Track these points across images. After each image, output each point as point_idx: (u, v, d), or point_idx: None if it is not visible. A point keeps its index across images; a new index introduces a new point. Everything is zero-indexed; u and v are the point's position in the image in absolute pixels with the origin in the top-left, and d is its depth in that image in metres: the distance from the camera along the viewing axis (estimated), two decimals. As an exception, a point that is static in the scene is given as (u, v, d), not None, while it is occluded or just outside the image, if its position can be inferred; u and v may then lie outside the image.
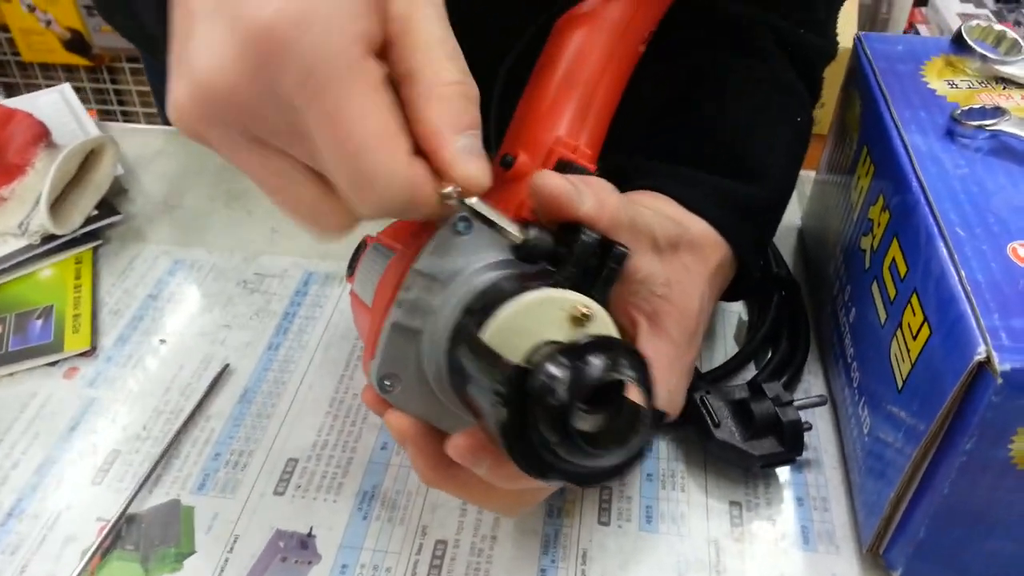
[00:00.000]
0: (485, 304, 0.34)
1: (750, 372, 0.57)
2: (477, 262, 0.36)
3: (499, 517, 0.48)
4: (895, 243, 0.46)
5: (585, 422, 0.31)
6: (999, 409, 0.36)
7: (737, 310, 0.61)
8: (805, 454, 0.50)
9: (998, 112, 0.48)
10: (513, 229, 0.36)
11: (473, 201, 0.35)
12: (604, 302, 0.35)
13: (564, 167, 0.43)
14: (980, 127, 0.47)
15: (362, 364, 0.49)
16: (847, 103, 0.59)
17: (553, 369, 0.30)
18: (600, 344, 0.31)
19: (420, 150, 0.33)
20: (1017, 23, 1.46)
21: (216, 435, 0.53)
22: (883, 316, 0.46)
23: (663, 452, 0.52)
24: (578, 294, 0.34)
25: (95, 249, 0.66)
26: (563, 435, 0.30)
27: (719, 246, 0.48)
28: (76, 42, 2.00)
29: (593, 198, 0.38)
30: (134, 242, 0.68)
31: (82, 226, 0.65)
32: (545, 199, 0.38)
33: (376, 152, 0.31)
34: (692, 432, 0.52)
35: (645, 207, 0.44)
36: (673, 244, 0.44)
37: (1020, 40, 0.54)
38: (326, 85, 0.30)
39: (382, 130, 0.31)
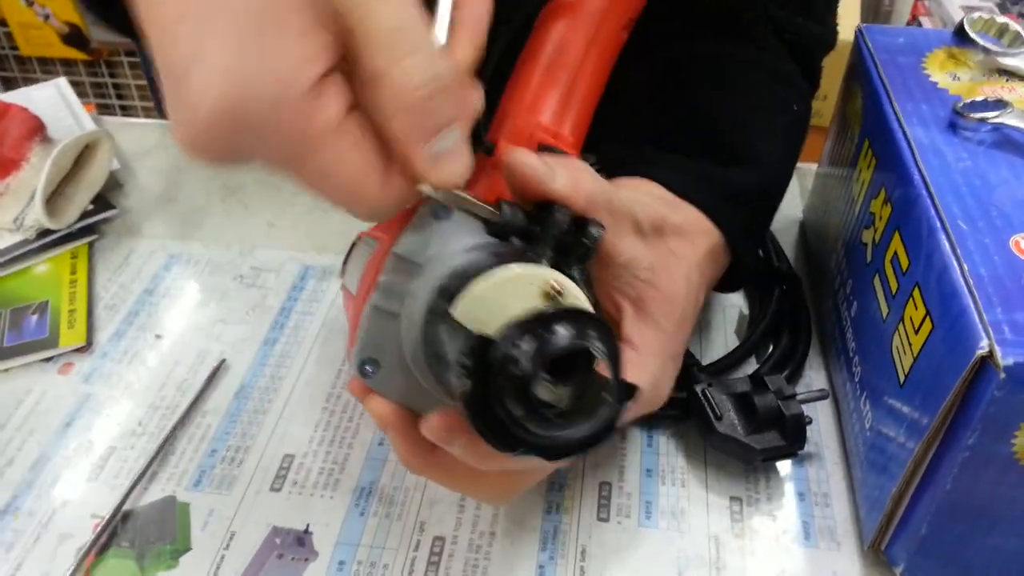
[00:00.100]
0: (459, 283, 0.33)
1: (751, 366, 0.56)
2: (455, 245, 0.36)
3: (497, 513, 0.48)
4: (897, 236, 0.45)
5: (550, 393, 0.30)
6: (1002, 404, 0.36)
7: (738, 304, 0.61)
8: (806, 448, 0.49)
9: (1000, 105, 0.47)
10: (485, 210, 0.36)
11: (440, 193, 0.34)
12: (582, 281, 0.35)
13: (543, 151, 0.43)
14: (982, 120, 0.47)
15: (346, 353, 0.49)
16: (848, 96, 0.59)
17: (515, 339, 0.29)
18: (564, 314, 0.31)
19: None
20: (1020, 15, 1.45)
21: (212, 431, 0.52)
22: (885, 310, 0.46)
23: (663, 447, 0.52)
24: (550, 270, 0.33)
25: (91, 244, 0.66)
26: (527, 407, 0.30)
27: (708, 232, 0.48)
28: (74, 36, 2.00)
29: (566, 176, 0.38)
30: (130, 237, 0.67)
31: (78, 221, 0.65)
32: (516, 176, 0.37)
33: (359, 191, 0.32)
34: (693, 425, 0.51)
35: (629, 191, 0.44)
36: (658, 228, 0.44)
37: (1023, 32, 0.53)
38: (292, 152, 0.30)
39: (359, 170, 0.31)
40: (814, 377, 0.56)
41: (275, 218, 0.69)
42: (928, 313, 0.40)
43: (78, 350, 0.58)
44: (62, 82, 0.79)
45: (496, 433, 0.31)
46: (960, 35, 0.54)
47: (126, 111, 2.15)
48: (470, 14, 0.36)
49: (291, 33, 0.28)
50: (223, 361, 0.56)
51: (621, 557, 0.46)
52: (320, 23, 0.29)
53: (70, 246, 0.65)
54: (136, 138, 0.77)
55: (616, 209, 0.40)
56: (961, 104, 0.48)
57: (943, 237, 0.41)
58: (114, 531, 0.47)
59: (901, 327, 0.43)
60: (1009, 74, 0.52)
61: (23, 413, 0.54)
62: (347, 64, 0.30)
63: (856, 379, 0.50)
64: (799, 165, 0.71)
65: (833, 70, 0.62)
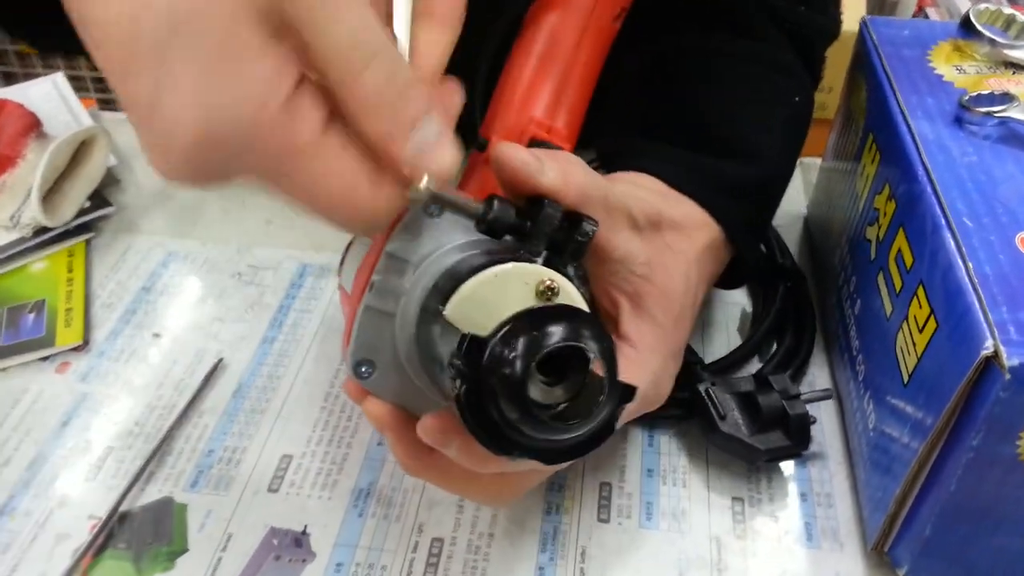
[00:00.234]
0: (451, 281, 0.33)
1: (753, 364, 0.56)
2: (448, 242, 0.36)
3: (496, 514, 0.48)
4: (901, 233, 0.45)
5: (545, 394, 0.30)
6: (1007, 405, 0.35)
7: (740, 301, 0.60)
8: (809, 448, 0.49)
9: (1007, 98, 0.47)
10: (474, 206, 0.35)
11: (428, 184, 0.33)
12: (578, 279, 0.35)
13: (536, 146, 0.43)
14: (988, 114, 0.46)
15: (342, 353, 0.48)
16: (853, 88, 0.58)
17: (507, 338, 0.29)
18: (557, 313, 0.30)
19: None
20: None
21: (209, 431, 0.52)
22: (889, 308, 0.45)
23: (664, 447, 0.51)
24: (544, 267, 0.33)
25: (87, 241, 0.65)
26: (522, 408, 0.29)
27: (706, 226, 0.47)
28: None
29: (556, 170, 0.37)
30: (127, 234, 0.67)
31: (74, 218, 0.65)
32: (505, 171, 0.36)
33: (348, 201, 0.31)
34: (696, 425, 0.51)
35: (624, 185, 0.43)
36: (654, 223, 0.43)
37: (1030, 24, 0.53)
38: (277, 169, 0.29)
39: (347, 180, 0.31)
40: (817, 375, 0.55)
41: (273, 215, 0.68)
42: (933, 312, 0.40)
43: (75, 349, 0.57)
44: (59, 77, 0.78)
45: (490, 436, 0.30)
46: (966, 27, 0.53)
47: (128, 105, 2.14)
48: (441, 3, 0.35)
49: (251, 53, 0.27)
50: (220, 360, 0.56)
51: (622, 558, 0.46)
52: (276, 37, 0.28)
53: (67, 244, 0.64)
54: (133, 134, 0.76)
55: (610, 203, 0.39)
56: (967, 98, 0.47)
57: (948, 234, 0.40)
58: (111, 532, 0.47)
59: (905, 326, 0.42)
60: (1016, 67, 0.51)
61: (20, 412, 0.53)
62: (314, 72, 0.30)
63: (859, 378, 0.49)
64: (803, 159, 0.71)
65: (838, 61, 0.61)
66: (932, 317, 0.40)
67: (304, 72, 0.29)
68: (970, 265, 0.38)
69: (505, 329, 0.29)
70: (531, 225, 0.35)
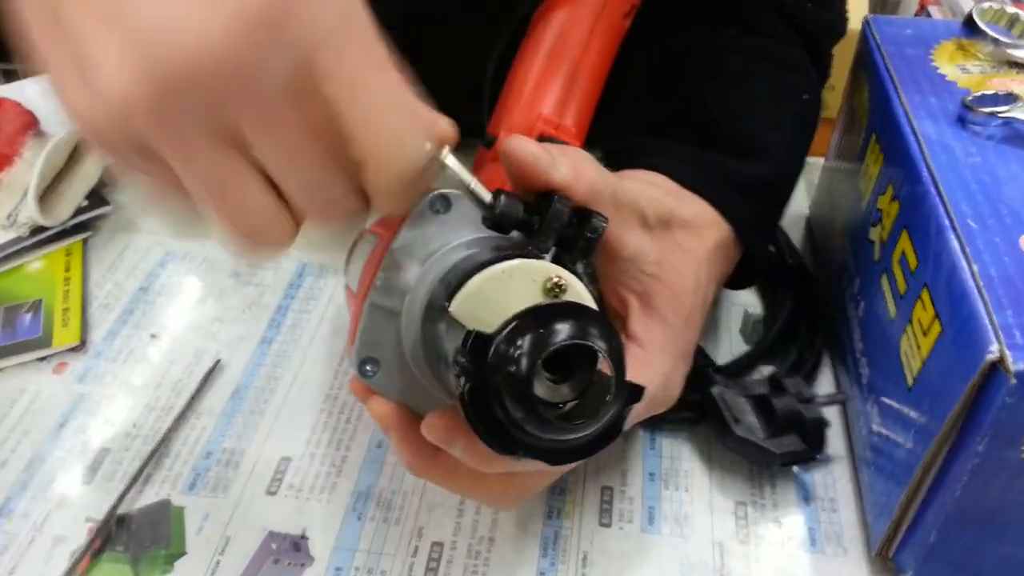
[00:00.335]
0: (457, 278, 0.32)
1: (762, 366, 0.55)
2: (455, 239, 0.35)
3: (497, 518, 0.47)
4: (905, 235, 0.44)
5: (551, 392, 0.29)
6: (1013, 410, 0.35)
7: (742, 302, 0.60)
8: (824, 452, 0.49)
9: (1011, 98, 0.47)
10: (484, 194, 0.34)
11: (448, 158, 0.33)
12: (587, 277, 0.34)
13: (545, 142, 0.42)
14: (992, 114, 0.46)
15: (347, 352, 0.48)
16: (855, 88, 0.58)
17: (512, 335, 0.28)
18: (564, 310, 0.30)
19: None
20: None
21: (207, 433, 0.52)
22: (893, 311, 0.45)
23: (666, 450, 0.51)
24: (551, 264, 0.32)
25: (85, 241, 0.65)
26: (527, 407, 0.29)
27: (716, 224, 0.47)
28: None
29: (568, 165, 0.36)
30: (124, 233, 0.66)
31: (72, 217, 0.64)
32: (515, 165, 0.36)
33: (405, 116, 0.30)
34: (710, 428, 0.50)
35: (634, 182, 0.42)
36: (664, 221, 0.43)
37: (1034, 23, 0.52)
38: (345, 50, 0.28)
39: (400, 96, 0.30)
40: (820, 378, 0.55)
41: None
42: (937, 315, 0.39)
43: (72, 349, 0.57)
44: (57, 76, 0.78)
45: (495, 435, 0.30)
46: (969, 26, 0.53)
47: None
48: None
49: None
50: (218, 361, 0.56)
51: (623, 563, 0.46)
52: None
53: (64, 243, 0.64)
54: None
55: (621, 201, 0.39)
56: (970, 98, 0.47)
57: (952, 236, 0.40)
58: (109, 535, 0.47)
59: (909, 329, 0.42)
60: (1020, 66, 0.51)
61: (17, 413, 0.53)
62: None
63: (863, 381, 0.49)
64: (806, 159, 0.70)
65: (840, 60, 0.61)
66: (936, 320, 0.39)
67: None
68: (975, 268, 0.38)
69: (511, 326, 0.29)
70: (539, 221, 0.35)
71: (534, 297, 0.31)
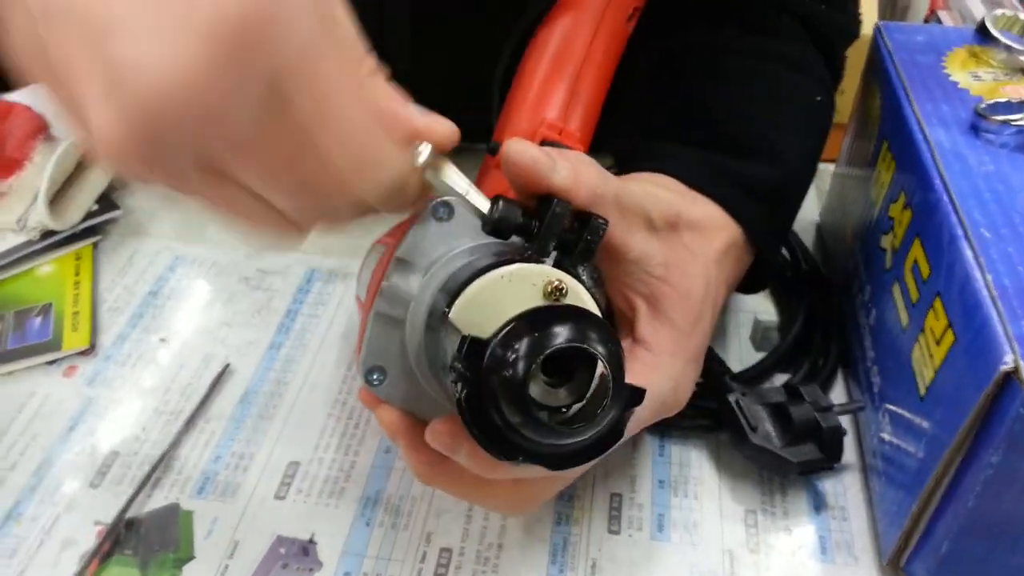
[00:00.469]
0: (458, 284, 0.32)
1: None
2: (457, 246, 0.35)
3: (505, 524, 0.47)
4: (917, 243, 0.44)
5: (549, 396, 0.29)
6: (1027, 421, 0.35)
7: (752, 309, 0.60)
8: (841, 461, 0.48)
9: (1024, 106, 0.46)
10: (480, 200, 0.34)
11: (446, 166, 0.33)
12: (591, 281, 0.34)
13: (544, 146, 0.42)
14: (1005, 122, 0.46)
15: (354, 361, 0.48)
16: (867, 94, 0.57)
17: (508, 339, 0.28)
18: (561, 313, 0.29)
19: None
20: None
21: (216, 437, 0.52)
22: (905, 319, 0.44)
23: (675, 457, 0.51)
24: (552, 268, 0.32)
25: (95, 245, 0.65)
26: (523, 411, 0.29)
27: (725, 226, 0.46)
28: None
29: (568, 168, 0.36)
30: (134, 237, 0.66)
31: (81, 221, 0.64)
32: (515, 168, 0.36)
33: (378, 134, 0.31)
34: (726, 436, 0.50)
35: (639, 184, 0.42)
36: (671, 223, 0.42)
37: (1047, 30, 0.52)
38: (315, 71, 0.29)
39: (375, 112, 0.31)
40: (831, 386, 0.55)
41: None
42: (950, 324, 0.39)
43: (82, 353, 0.57)
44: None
45: (493, 440, 0.30)
46: (982, 33, 0.53)
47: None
48: None
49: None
50: (227, 365, 0.56)
51: (633, 571, 0.45)
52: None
53: (74, 247, 0.64)
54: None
55: (624, 203, 0.39)
56: (983, 105, 0.47)
57: (965, 246, 0.39)
58: (117, 538, 0.47)
59: (922, 338, 0.42)
60: (1033, 74, 0.51)
61: (26, 417, 0.53)
62: None
63: (874, 390, 0.48)
64: (818, 162, 0.70)
65: (851, 64, 0.60)
66: (949, 330, 0.39)
67: None
68: (989, 278, 0.38)
69: (506, 330, 0.29)
70: (539, 225, 0.34)
71: (534, 301, 0.31)
